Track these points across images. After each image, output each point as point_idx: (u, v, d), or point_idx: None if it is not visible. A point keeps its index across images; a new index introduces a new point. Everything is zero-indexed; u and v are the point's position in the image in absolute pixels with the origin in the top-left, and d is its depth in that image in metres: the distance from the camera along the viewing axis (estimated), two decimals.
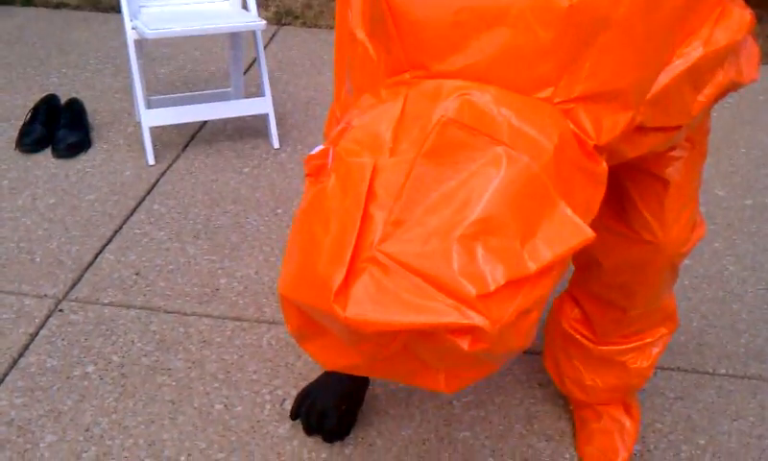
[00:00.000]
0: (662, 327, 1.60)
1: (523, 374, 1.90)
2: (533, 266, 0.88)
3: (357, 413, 1.73)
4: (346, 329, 0.89)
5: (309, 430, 1.71)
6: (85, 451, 1.68)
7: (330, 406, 1.67)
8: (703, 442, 1.75)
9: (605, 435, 1.70)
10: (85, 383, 1.84)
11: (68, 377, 1.86)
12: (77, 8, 4.06)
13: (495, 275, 0.85)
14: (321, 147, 1.00)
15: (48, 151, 2.76)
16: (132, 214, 2.46)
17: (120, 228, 2.39)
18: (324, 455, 1.68)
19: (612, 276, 1.49)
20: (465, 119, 0.91)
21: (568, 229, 0.91)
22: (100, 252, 2.28)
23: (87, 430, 1.73)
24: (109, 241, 2.33)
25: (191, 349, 1.95)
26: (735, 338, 2.04)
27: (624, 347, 1.59)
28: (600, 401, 1.68)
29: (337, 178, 0.92)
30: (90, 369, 1.88)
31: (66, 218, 2.42)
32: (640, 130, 1.12)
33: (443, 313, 0.84)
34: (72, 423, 1.74)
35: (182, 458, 1.67)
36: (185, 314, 2.06)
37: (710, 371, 1.94)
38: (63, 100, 2.97)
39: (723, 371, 1.94)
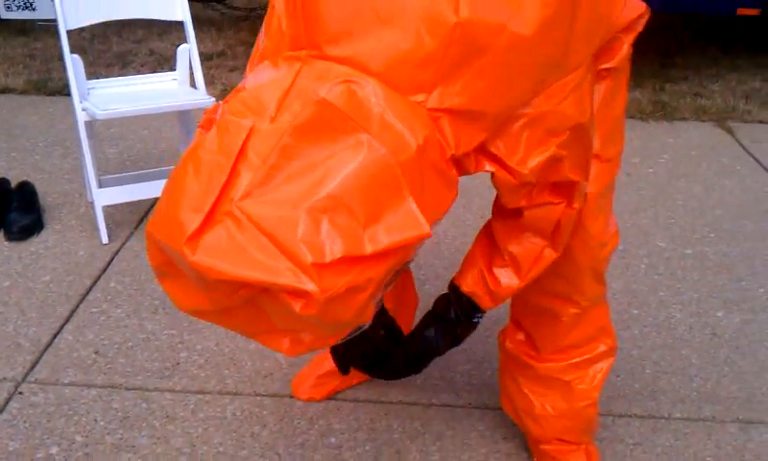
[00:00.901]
0: (600, 342, 1.66)
1: (487, 429, 1.94)
2: (369, 248, 0.97)
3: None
4: (193, 273, 0.97)
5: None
6: None
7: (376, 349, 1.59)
8: None
9: None
10: None
11: (32, 460, 1.83)
12: (23, 92, 4.08)
13: (333, 248, 0.95)
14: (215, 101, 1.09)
15: (0, 234, 2.75)
16: (88, 293, 2.45)
17: (77, 307, 2.38)
18: None
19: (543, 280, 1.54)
20: (341, 104, 1.01)
21: (409, 222, 1.00)
22: (58, 332, 2.27)
23: None
24: (67, 321, 2.32)
25: (155, 424, 1.94)
26: (687, 382, 2.12)
27: (565, 363, 1.64)
28: (554, 433, 1.72)
29: (217, 132, 1.02)
30: (54, 450, 1.86)
31: (22, 300, 2.40)
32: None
33: (279, 274, 0.93)
34: None
35: None
36: (147, 390, 2.05)
37: (666, 416, 2.00)
38: (14, 183, 2.96)
39: (678, 415, 2.01)
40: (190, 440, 1.89)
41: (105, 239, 2.72)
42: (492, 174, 1.28)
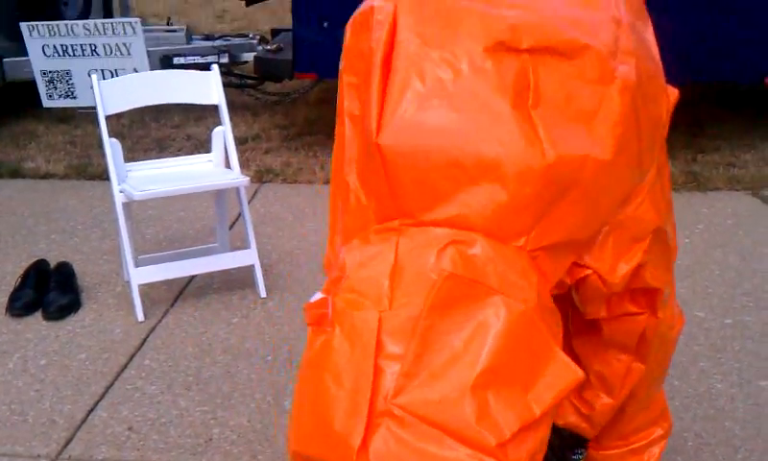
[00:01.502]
0: (657, 426, 1.63)
1: None
2: (538, 410, 0.93)
3: None
4: None
5: None
6: None
7: None
8: None
9: None
10: None
11: None
12: (64, 177, 4.19)
13: (509, 422, 0.90)
14: (319, 295, 1.04)
15: (38, 314, 2.79)
16: (123, 370, 2.47)
17: (112, 384, 2.39)
18: None
19: None
20: (459, 271, 0.97)
21: (563, 370, 0.97)
22: (92, 409, 2.28)
23: None
24: (101, 398, 2.33)
25: None
26: (732, 455, 2.05)
27: (624, 450, 1.61)
28: None
29: (342, 331, 0.96)
30: None
31: (57, 378, 2.43)
32: None
33: None
34: None
35: None
36: None
37: None
38: (52, 264, 3.03)
39: None
40: None
41: (141, 317, 2.75)
42: (578, 285, 1.27)
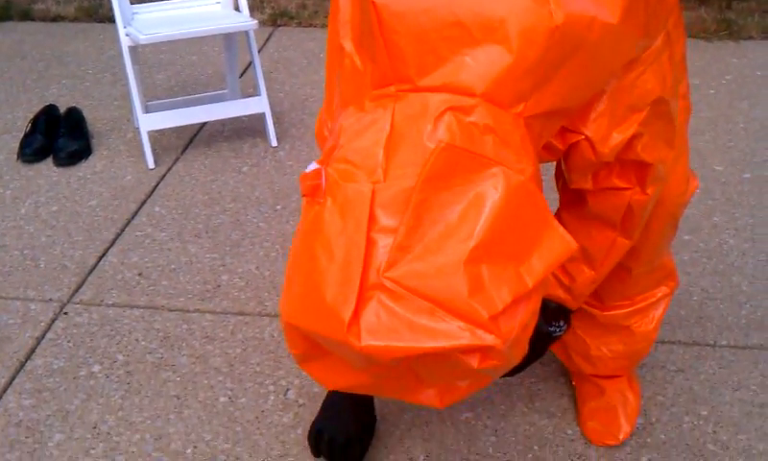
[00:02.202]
0: (663, 285, 1.62)
1: None
2: (530, 282, 0.91)
3: (374, 430, 1.67)
4: (362, 358, 0.91)
5: None
6: (93, 448, 1.70)
7: (351, 435, 1.58)
8: (705, 412, 1.75)
9: (608, 410, 1.70)
10: (92, 382, 1.87)
11: (75, 378, 1.88)
12: (75, 20, 4.10)
13: (502, 295, 0.88)
14: (314, 166, 1.00)
15: (49, 160, 2.80)
16: (133, 217, 2.48)
17: (122, 231, 2.42)
18: None
19: None
20: (457, 140, 0.93)
21: (558, 242, 0.94)
22: (103, 255, 2.31)
23: (95, 428, 1.75)
24: (112, 244, 2.36)
25: (195, 345, 1.97)
26: (736, 310, 2.05)
27: (629, 310, 1.61)
28: (607, 372, 1.70)
29: (334, 202, 0.93)
30: (96, 368, 1.91)
31: (69, 224, 2.45)
32: None
33: (457, 336, 0.86)
34: (80, 421, 1.76)
35: (189, 451, 1.69)
36: (188, 311, 2.08)
37: (712, 343, 1.94)
38: (63, 110, 3.00)
39: (724, 342, 1.94)
40: (228, 360, 1.92)
41: (151, 164, 2.74)
42: (568, 152, 1.22)
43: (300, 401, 1.80)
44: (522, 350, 0.95)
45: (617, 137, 1.20)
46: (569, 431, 1.71)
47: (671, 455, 1.66)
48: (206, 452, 1.69)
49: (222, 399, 1.81)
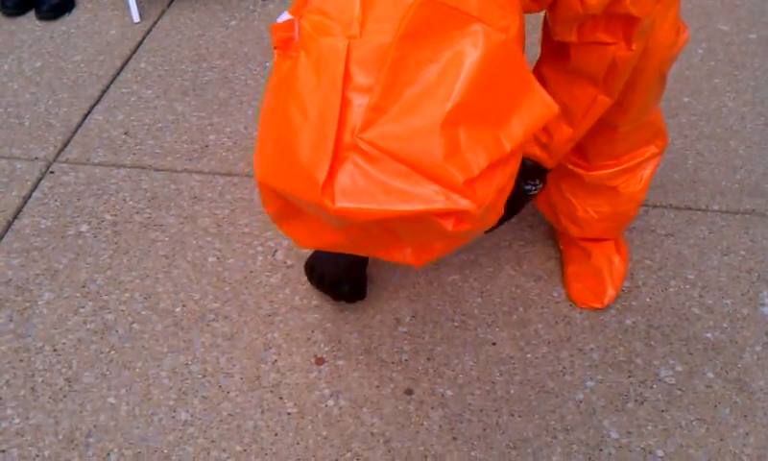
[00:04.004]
0: (652, 144, 1.58)
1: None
2: (508, 146, 0.88)
3: (365, 270, 1.70)
4: (336, 220, 0.89)
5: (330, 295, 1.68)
6: (83, 307, 1.72)
7: (340, 274, 1.62)
8: (692, 277, 1.76)
9: (593, 274, 1.71)
10: (80, 242, 1.86)
11: (62, 237, 1.88)
12: None
13: (478, 159, 0.86)
14: (286, 16, 0.95)
15: (31, 14, 2.70)
16: (118, 73, 2.42)
17: (107, 88, 2.36)
18: (314, 302, 1.71)
19: None
20: None
21: (538, 104, 0.90)
22: (88, 112, 2.26)
23: (84, 287, 1.76)
24: (97, 101, 2.30)
25: (183, 205, 1.95)
26: (731, 174, 2.02)
27: (615, 169, 1.58)
28: (593, 234, 1.68)
29: (308, 57, 0.89)
30: (84, 228, 1.90)
31: (53, 81, 2.39)
32: None
33: (431, 200, 0.85)
34: (68, 280, 1.77)
35: (178, 309, 1.71)
36: (176, 171, 2.06)
37: (703, 207, 1.93)
38: None
39: (716, 207, 1.93)
40: (216, 220, 1.91)
41: (136, 18, 2.64)
42: (554, 2, 1.15)
43: (289, 262, 1.80)
44: (498, 213, 0.94)
45: None
46: (555, 294, 1.72)
47: (655, 318, 1.67)
48: (195, 311, 1.70)
49: (210, 259, 1.82)
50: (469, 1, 0.88)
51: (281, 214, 1.02)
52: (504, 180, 0.90)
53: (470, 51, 0.86)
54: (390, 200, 0.85)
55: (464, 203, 0.85)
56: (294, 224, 1.03)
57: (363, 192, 0.85)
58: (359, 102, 0.86)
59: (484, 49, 0.86)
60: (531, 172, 1.46)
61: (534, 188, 1.49)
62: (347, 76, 0.86)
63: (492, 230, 1.48)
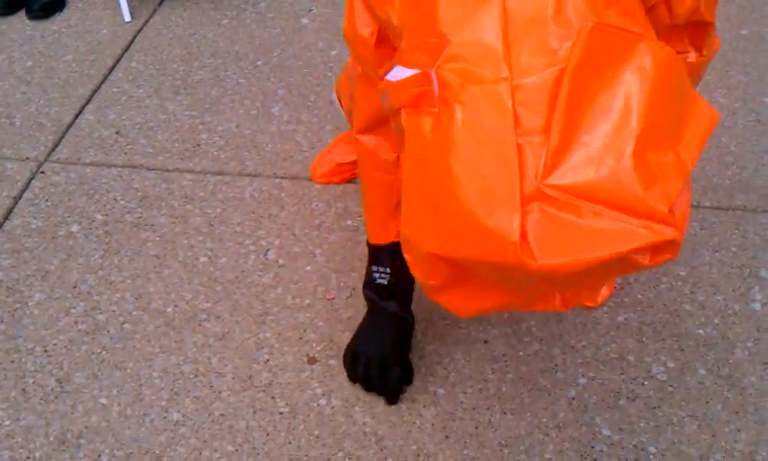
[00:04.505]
0: None
1: None
2: (690, 162, 0.83)
3: (409, 353, 1.58)
4: (536, 278, 0.82)
5: (372, 388, 1.53)
6: (74, 307, 1.71)
7: (389, 355, 1.49)
8: (683, 273, 1.76)
9: None
10: (71, 242, 1.86)
11: (53, 237, 1.87)
12: None
13: (673, 183, 0.81)
14: (403, 70, 0.88)
15: (22, 13, 2.69)
16: (110, 73, 2.41)
17: (98, 87, 2.35)
18: (307, 301, 1.71)
19: None
20: (601, 16, 0.82)
21: (704, 114, 0.86)
22: (79, 112, 2.25)
23: (75, 287, 1.75)
24: (88, 101, 2.30)
25: (174, 204, 1.95)
26: (722, 170, 2.03)
27: None
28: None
29: (465, 108, 0.82)
30: (75, 228, 1.89)
31: (44, 80, 2.38)
32: None
33: (636, 236, 0.79)
34: (59, 281, 1.77)
35: (169, 309, 1.70)
36: (167, 170, 2.05)
37: (695, 204, 1.93)
38: None
39: (708, 203, 1.93)
40: (208, 220, 1.90)
41: (127, 17, 2.64)
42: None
43: (281, 262, 1.80)
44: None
45: None
46: None
47: (647, 315, 1.67)
48: (187, 311, 1.70)
49: (202, 258, 1.81)
50: (635, 18, 0.84)
51: (447, 284, 0.93)
52: (689, 196, 0.85)
53: (642, 71, 0.81)
54: (592, 245, 0.79)
55: (669, 232, 0.80)
56: (456, 292, 0.94)
57: (562, 242, 0.79)
58: (534, 146, 0.80)
59: (654, 66, 0.81)
60: None
61: None
62: (515, 121, 0.80)
63: None
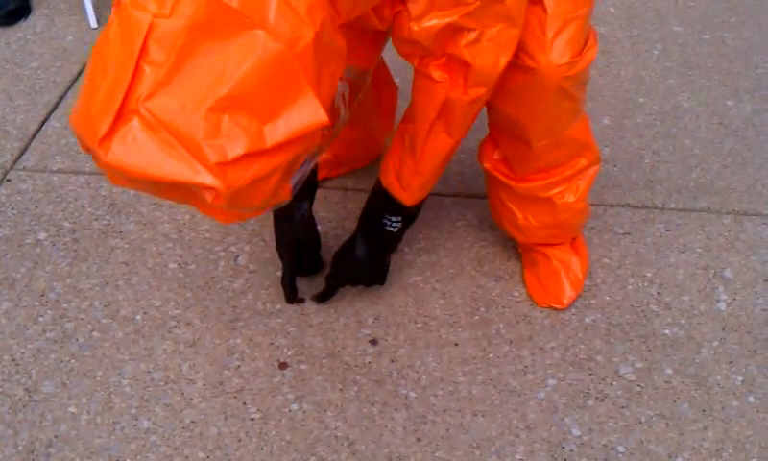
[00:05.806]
0: (581, 158, 1.56)
1: (475, 218, 1.92)
2: (269, 141, 0.99)
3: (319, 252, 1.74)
4: (103, 169, 1.02)
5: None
6: (42, 316, 1.69)
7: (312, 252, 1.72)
8: (650, 274, 1.79)
9: (552, 276, 1.72)
10: (38, 250, 1.84)
11: (20, 245, 1.85)
12: None
13: (234, 146, 0.97)
14: None
15: None
16: (76, 80, 2.39)
17: (65, 94, 2.33)
18: (277, 307, 1.71)
19: (502, 108, 1.46)
20: (234, 2, 0.97)
21: (307, 111, 1.01)
22: (46, 119, 2.23)
23: (43, 295, 1.74)
24: (55, 108, 2.28)
25: (142, 211, 1.94)
26: (687, 173, 2.06)
27: (542, 183, 1.57)
28: (540, 241, 1.70)
29: (119, 25, 0.99)
30: (42, 236, 1.88)
31: (9, 88, 2.36)
32: None
33: (184, 171, 0.97)
34: (27, 289, 1.75)
35: (138, 317, 1.69)
36: None
37: (660, 206, 1.96)
38: None
39: (673, 205, 1.96)
40: (177, 226, 1.90)
41: (93, 23, 2.62)
42: (393, 20, 1.24)
43: (251, 267, 1.79)
44: (260, 196, 1.04)
45: (433, 21, 1.22)
46: (516, 293, 1.74)
47: (614, 316, 1.70)
48: (156, 318, 1.69)
49: (171, 265, 1.81)
50: (261, 9, 0.98)
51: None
52: (264, 171, 1.00)
53: (249, 52, 0.97)
54: (153, 163, 0.97)
55: (210, 180, 0.96)
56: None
57: (135, 152, 0.97)
58: (150, 74, 0.96)
59: (260, 54, 0.97)
60: (390, 206, 1.52)
61: (391, 224, 1.54)
62: (144, 49, 0.96)
63: (374, 282, 1.65)
